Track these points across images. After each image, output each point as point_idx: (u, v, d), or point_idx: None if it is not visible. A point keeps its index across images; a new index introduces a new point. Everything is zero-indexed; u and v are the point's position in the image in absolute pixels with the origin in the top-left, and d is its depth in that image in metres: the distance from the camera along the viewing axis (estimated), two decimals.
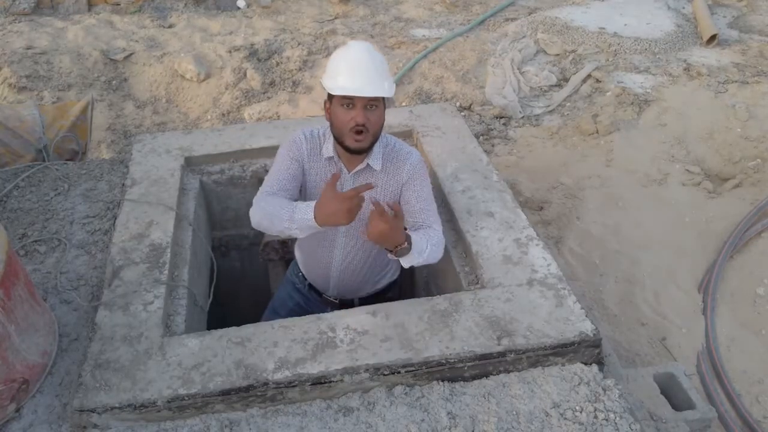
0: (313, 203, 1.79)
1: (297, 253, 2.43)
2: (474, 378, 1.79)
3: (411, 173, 2.07)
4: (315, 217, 1.76)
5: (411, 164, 2.07)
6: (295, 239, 2.40)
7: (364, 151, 1.97)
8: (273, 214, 1.86)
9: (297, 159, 2.06)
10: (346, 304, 2.28)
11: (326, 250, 2.22)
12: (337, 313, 1.90)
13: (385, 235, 1.72)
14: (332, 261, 2.23)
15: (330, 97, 1.92)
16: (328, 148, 2.06)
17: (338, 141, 1.97)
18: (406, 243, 1.79)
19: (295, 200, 2.03)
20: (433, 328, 1.82)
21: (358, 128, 1.86)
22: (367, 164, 2.04)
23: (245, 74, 5.33)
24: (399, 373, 1.73)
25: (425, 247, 1.89)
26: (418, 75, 5.10)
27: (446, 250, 2.27)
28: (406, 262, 1.88)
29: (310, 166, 2.08)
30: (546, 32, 5.56)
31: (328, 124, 2.06)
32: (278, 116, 4.92)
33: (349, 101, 1.85)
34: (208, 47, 5.61)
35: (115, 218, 2.31)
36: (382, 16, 6.36)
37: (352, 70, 1.84)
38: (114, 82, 5.37)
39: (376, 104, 1.88)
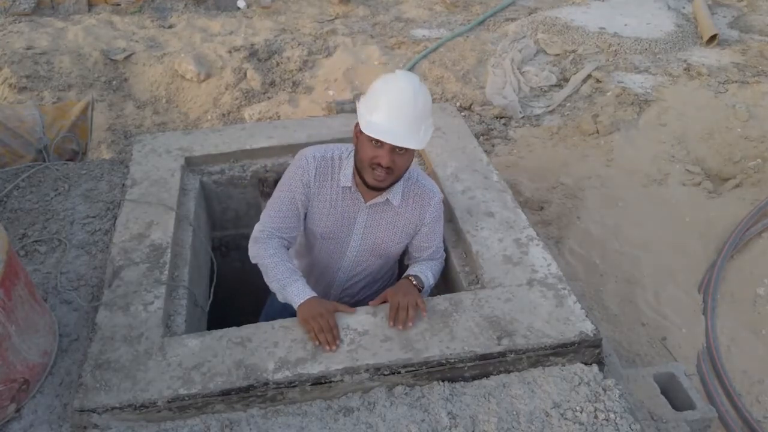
0: (306, 293, 1.85)
1: (299, 263, 2.36)
2: (474, 378, 1.78)
3: (433, 216, 2.05)
4: (299, 306, 1.82)
5: (434, 206, 2.04)
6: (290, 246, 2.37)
7: (383, 190, 1.91)
8: (269, 271, 1.93)
9: (301, 187, 1.96)
10: None
11: (330, 270, 2.17)
12: (337, 313, 1.89)
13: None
14: (334, 281, 2.21)
15: None
16: (347, 176, 1.95)
17: (358, 171, 1.90)
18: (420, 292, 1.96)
19: (295, 235, 2.08)
20: (434, 328, 1.82)
21: (380, 169, 1.79)
22: (387, 199, 1.98)
23: (245, 74, 5.34)
24: (399, 373, 1.73)
25: (432, 283, 2.07)
26: (418, 75, 5.10)
27: (446, 250, 2.27)
28: None
29: (318, 190, 1.98)
30: (546, 32, 5.56)
31: (341, 146, 2.01)
32: (278, 116, 4.92)
33: (378, 140, 1.76)
34: (208, 47, 5.61)
35: (116, 218, 2.31)
36: (383, 16, 6.36)
37: (392, 109, 1.72)
38: (114, 82, 5.37)
39: (405, 149, 1.79)
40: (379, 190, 1.90)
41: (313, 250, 2.17)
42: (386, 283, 2.32)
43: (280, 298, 1.93)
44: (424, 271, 2.04)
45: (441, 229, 2.13)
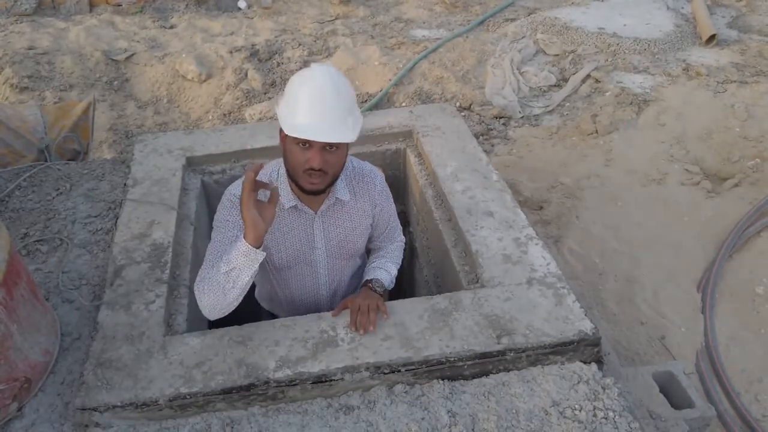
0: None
1: (270, 305, 2.27)
2: (474, 377, 1.79)
3: (381, 198, 1.99)
4: (245, 237, 1.58)
5: (380, 187, 1.98)
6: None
7: (321, 193, 1.77)
8: (213, 279, 1.63)
9: (239, 229, 1.76)
10: None
11: (311, 294, 2.08)
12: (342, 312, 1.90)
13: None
14: (320, 300, 2.12)
15: None
16: (287, 195, 1.83)
17: (292, 179, 1.76)
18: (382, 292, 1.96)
19: None
20: (433, 327, 1.83)
21: (312, 172, 1.66)
22: (336, 198, 1.87)
23: (246, 75, 5.35)
24: (399, 371, 1.74)
25: (394, 272, 2.06)
26: (418, 75, 5.11)
27: (446, 250, 2.29)
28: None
29: None
30: (545, 32, 5.57)
31: (265, 168, 1.86)
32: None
33: (305, 140, 1.63)
34: (209, 48, 5.62)
35: (117, 218, 2.32)
36: (383, 16, 6.37)
37: (313, 105, 1.59)
38: (115, 82, 5.38)
39: (336, 145, 1.66)
40: (317, 194, 1.76)
41: (285, 285, 2.08)
42: (362, 259, 2.24)
43: (241, 275, 1.62)
44: (382, 266, 2.02)
45: (393, 210, 2.07)
